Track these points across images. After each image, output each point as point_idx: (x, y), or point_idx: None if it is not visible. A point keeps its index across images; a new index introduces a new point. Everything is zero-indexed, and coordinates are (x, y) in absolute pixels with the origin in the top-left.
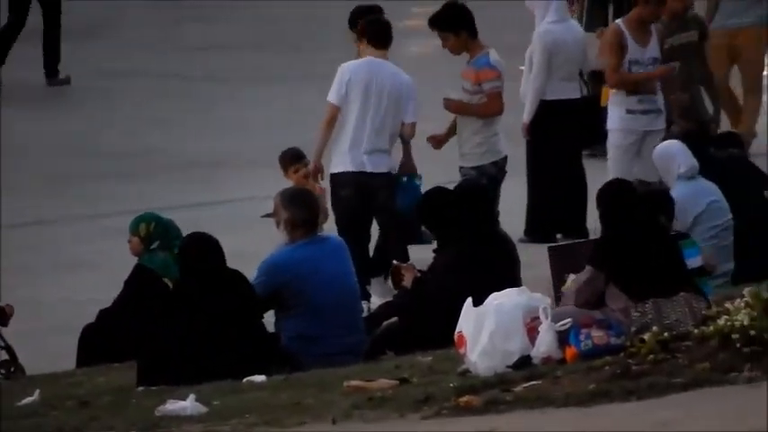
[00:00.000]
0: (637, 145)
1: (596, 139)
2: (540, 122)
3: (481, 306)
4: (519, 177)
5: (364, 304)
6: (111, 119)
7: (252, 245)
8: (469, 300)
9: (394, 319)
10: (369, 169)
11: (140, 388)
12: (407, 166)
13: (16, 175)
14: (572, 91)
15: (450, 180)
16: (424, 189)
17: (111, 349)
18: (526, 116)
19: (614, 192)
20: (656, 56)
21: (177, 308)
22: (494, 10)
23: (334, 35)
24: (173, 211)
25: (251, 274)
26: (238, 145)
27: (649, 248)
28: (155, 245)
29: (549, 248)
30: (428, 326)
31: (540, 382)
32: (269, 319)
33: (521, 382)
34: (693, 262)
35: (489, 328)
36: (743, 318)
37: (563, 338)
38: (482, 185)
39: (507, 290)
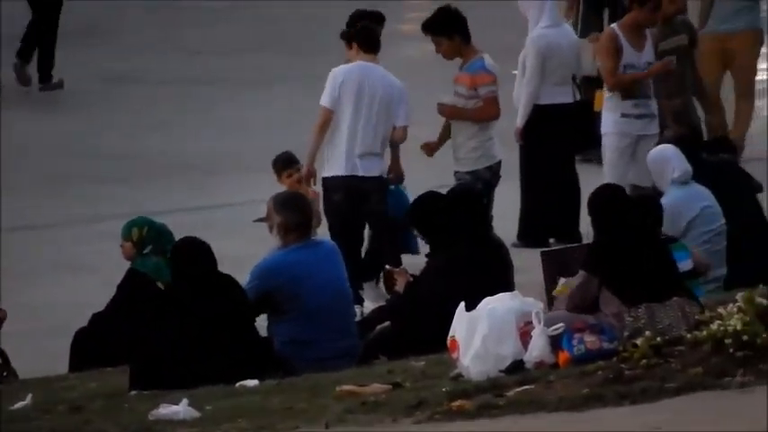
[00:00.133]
0: (631, 148)
1: (590, 143)
2: (534, 127)
3: (474, 310)
4: (512, 182)
5: (357, 309)
6: (110, 121)
7: (251, 248)
8: (462, 304)
9: (387, 323)
10: (361, 173)
11: (133, 392)
12: (395, 171)
13: (15, 177)
14: (565, 95)
15: (443, 184)
16: (416, 194)
17: (103, 353)
18: (519, 121)
19: (607, 197)
20: (651, 60)
21: (169, 312)
22: (487, 10)
23: (335, 37)
24: (172, 214)
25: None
26: (238, 146)
27: (642, 253)
28: (147, 249)
29: (542, 253)
30: (421, 330)
31: (532, 386)
32: (261, 323)
33: (513, 386)
34: (684, 265)
35: (482, 333)
36: (736, 323)
37: (556, 343)
38: (475, 189)
39: (500, 294)
